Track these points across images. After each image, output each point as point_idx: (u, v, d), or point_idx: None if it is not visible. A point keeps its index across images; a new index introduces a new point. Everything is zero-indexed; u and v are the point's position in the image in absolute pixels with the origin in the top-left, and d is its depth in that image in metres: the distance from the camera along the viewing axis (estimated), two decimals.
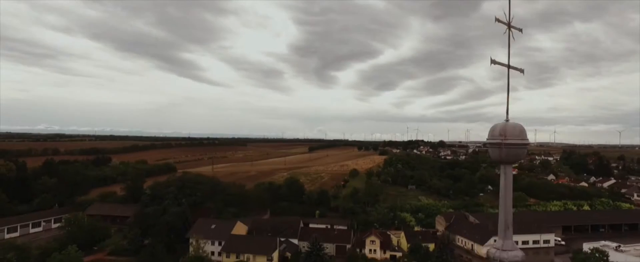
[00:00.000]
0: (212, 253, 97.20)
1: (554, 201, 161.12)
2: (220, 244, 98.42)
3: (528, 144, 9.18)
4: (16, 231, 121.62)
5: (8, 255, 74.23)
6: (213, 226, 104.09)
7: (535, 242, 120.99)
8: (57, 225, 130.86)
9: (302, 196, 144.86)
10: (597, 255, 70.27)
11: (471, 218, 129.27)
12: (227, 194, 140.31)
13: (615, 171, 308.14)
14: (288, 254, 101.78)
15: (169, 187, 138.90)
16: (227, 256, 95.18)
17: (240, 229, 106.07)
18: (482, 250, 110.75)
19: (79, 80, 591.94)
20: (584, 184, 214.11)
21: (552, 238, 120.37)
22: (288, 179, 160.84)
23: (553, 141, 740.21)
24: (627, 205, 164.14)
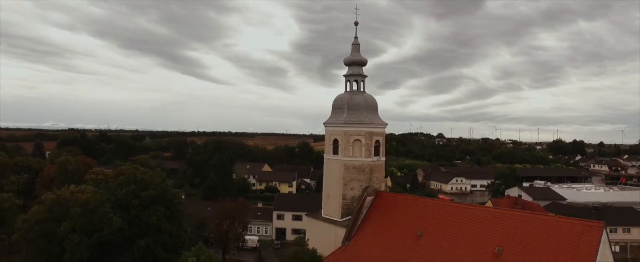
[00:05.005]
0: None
1: (516, 164, 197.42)
2: (254, 177, 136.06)
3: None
4: None
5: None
6: (248, 166, 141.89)
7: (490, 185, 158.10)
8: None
9: (312, 154, 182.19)
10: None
11: (442, 169, 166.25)
12: (252, 154, 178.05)
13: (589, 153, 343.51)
14: (303, 186, 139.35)
15: (206, 147, 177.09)
16: (260, 184, 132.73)
17: (267, 169, 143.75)
18: (446, 188, 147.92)
19: (84, 77, 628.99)
20: (550, 156, 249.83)
21: None
22: (300, 143, 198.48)
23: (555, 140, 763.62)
24: (574, 168, 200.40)
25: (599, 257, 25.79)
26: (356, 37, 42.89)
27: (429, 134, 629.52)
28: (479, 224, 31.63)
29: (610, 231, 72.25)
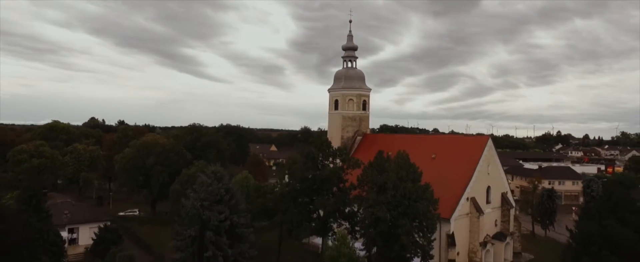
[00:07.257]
0: None
1: (498, 149, 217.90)
2: (263, 155, 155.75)
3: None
4: None
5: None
6: (257, 147, 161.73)
7: None
8: None
9: (313, 138, 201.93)
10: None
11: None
12: (259, 138, 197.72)
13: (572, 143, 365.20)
14: None
15: (218, 133, 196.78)
16: (269, 161, 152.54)
17: (274, 149, 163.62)
18: None
19: (81, 75, 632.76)
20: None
21: None
22: (303, 129, 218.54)
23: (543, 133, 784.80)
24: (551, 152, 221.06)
25: (485, 153, 45.91)
26: (350, 30, 62.77)
27: (425, 129, 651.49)
28: (424, 143, 51.78)
29: (549, 184, 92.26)
